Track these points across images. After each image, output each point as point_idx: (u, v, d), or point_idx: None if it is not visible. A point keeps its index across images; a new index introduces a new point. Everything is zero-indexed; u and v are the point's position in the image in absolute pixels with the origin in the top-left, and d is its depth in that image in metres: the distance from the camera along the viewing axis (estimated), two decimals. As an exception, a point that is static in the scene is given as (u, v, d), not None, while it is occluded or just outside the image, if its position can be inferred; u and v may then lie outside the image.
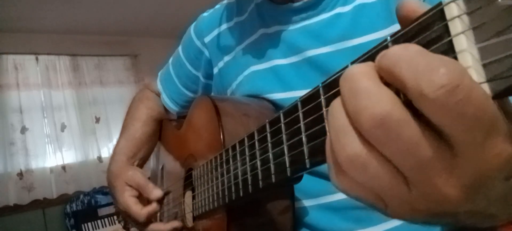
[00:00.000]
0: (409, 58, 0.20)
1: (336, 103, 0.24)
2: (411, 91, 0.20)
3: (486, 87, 0.19)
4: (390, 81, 0.21)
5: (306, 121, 0.31)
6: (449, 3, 0.20)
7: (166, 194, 0.77)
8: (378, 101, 0.21)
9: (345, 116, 0.23)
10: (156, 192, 0.75)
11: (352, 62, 0.26)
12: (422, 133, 0.21)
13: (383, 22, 0.58)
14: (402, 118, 0.20)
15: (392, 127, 0.21)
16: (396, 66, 0.20)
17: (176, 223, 0.72)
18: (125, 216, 0.81)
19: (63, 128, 3.70)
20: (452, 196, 0.22)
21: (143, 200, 0.77)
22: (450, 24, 0.20)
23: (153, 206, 0.75)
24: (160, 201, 0.76)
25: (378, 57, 0.22)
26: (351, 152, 0.23)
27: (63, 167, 3.63)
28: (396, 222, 0.58)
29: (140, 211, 0.75)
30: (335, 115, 0.24)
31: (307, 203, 0.62)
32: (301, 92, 0.32)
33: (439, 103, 0.19)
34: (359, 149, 0.22)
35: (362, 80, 0.22)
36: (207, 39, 0.81)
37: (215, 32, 0.80)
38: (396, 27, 0.63)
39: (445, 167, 0.21)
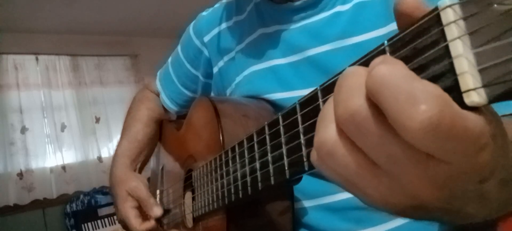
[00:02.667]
0: (392, 85, 0.20)
1: (330, 98, 0.26)
2: (392, 121, 0.20)
3: (482, 92, 0.19)
4: (375, 102, 0.22)
5: (304, 124, 0.31)
6: (445, 8, 0.20)
7: (166, 211, 0.77)
8: (353, 96, 0.22)
9: (332, 107, 0.24)
10: (156, 210, 0.75)
11: (350, 65, 0.26)
12: (392, 133, 0.21)
13: (382, 20, 0.58)
14: (373, 114, 0.22)
15: (362, 122, 0.22)
16: (379, 92, 0.21)
17: None
18: (123, 225, 0.81)
19: (63, 128, 3.70)
20: (425, 194, 0.23)
21: (144, 211, 0.78)
22: (446, 29, 0.20)
23: (152, 224, 0.75)
24: (159, 218, 0.76)
25: (368, 72, 0.22)
26: (321, 138, 0.25)
27: (63, 167, 3.63)
28: (396, 223, 0.58)
29: (139, 226, 0.75)
30: (325, 106, 0.26)
31: (306, 203, 0.62)
32: (301, 92, 0.32)
33: (415, 140, 0.20)
34: (329, 135, 0.24)
35: (349, 77, 0.23)
36: (206, 39, 0.81)
37: (214, 32, 0.80)
38: (395, 26, 0.63)
39: (416, 167, 0.22)
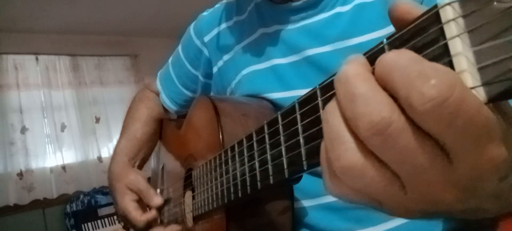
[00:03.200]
0: (402, 66, 0.20)
1: (331, 107, 0.24)
2: (402, 101, 0.20)
3: (481, 91, 0.19)
4: (385, 88, 0.21)
5: (303, 123, 0.31)
6: (444, 6, 0.19)
7: (166, 201, 0.77)
8: (376, 108, 0.20)
9: (341, 121, 0.23)
10: (156, 199, 0.75)
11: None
12: (419, 140, 0.20)
13: (382, 21, 0.58)
14: (400, 126, 0.20)
15: (391, 134, 0.20)
16: (390, 74, 0.20)
17: (175, 227, 0.72)
18: (123, 220, 0.81)
19: (63, 128, 3.70)
20: (447, 199, 0.22)
21: (143, 204, 0.77)
22: (445, 27, 0.20)
23: (152, 213, 0.75)
24: (160, 208, 0.76)
25: (376, 62, 0.21)
26: (347, 162, 0.22)
27: (63, 167, 3.63)
28: (396, 222, 0.58)
29: (139, 217, 0.75)
30: (330, 121, 0.23)
31: (306, 203, 0.62)
32: (301, 92, 0.32)
33: (428, 116, 0.19)
34: (356, 158, 0.22)
35: (359, 84, 0.21)
36: (206, 39, 0.81)
37: (214, 32, 0.80)
38: (394, 27, 0.62)
39: (441, 173, 0.21)
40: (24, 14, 3.25)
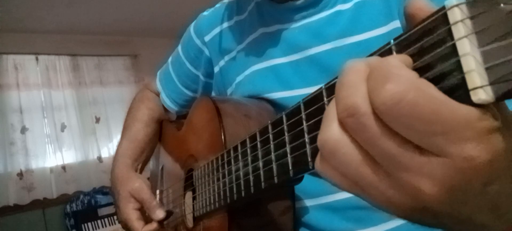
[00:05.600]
0: (376, 67, 0.23)
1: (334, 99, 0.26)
2: (369, 97, 0.23)
3: (489, 90, 0.19)
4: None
5: (309, 123, 0.31)
6: (452, 7, 0.20)
7: (168, 213, 0.77)
8: (352, 93, 0.23)
9: (334, 104, 0.25)
10: (159, 213, 0.75)
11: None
12: (387, 128, 0.22)
13: (383, 19, 0.58)
14: (370, 111, 0.23)
15: (360, 117, 0.23)
16: (370, 73, 0.23)
17: None
18: (124, 226, 0.81)
19: (63, 128, 3.70)
20: (425, 191, 0.23)
21: (145, 212, 0.77)
22: (453, 28, 0.20)
23: (154, 226, 0.75)
24: (162, 221, 0.76)
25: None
26: (325, 136, 0.25)
27: (63, 167, 3.63)
28: (396, 222, 0.58)
29: (141, 229, 0.75)
30: (330, 106, 0.26)
31: (307, 203, 0.62)
32: (302, 91, 0.32)
33: (384, 115, 0.22)
34: (331, 133, 0.25)
35: (349, 74, 0.24)
36: (207, 38, 0.81)
37: (215, 31, 0.80)
38: (395, 23, 0.62)
39: (413, 161, 0.22)
40: (24, 14, 3.25)
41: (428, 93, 0.21)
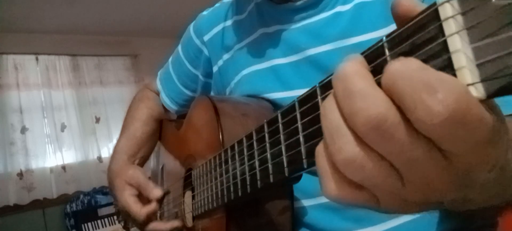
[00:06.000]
0: (407, 76, 0.20)
1: (329, 103, 0.24)
2: (408, 113, 0.20)
3: (480, 87, 0.19)
4: (392, 98, 0.21)
5: (303, 121, 0.31)
6: (443, 3, 0.20)
7: (165, 193, 0.77)
8: (373, 103, 0.21)
9: (339, 116, 0.23)
10: (156, 192, 0.75)
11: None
12: (414, 135, 0.21)
13: (382, 21, 0.58)
14: (396, 120, 0.21)
15: (387, 129, 0.21)
16: (394, 84, 0.21)
17: (176, 222, 0.72)
18: (124, 215, 0.81)
19: (63, 128, 3.70)
20: (442, 190, 0.23)
21: (143, 199, 0.77)
22: (444, 24, 0.20)
23: (153, 206, 0.75)
24: (159, 200, 0.76)
25: (383, 72, 0.22)
26: (349, 154, 0.23)
27: (63, 167, 3.63)
28: (395, 222, 0.58)
29: (140, 210, 0.75)
30: (329, 116, 0.24)
31: (306, 202, 0.62)
32: (301, 92, 0.32)
33: (434, 129, 0.20)
34: (356, 150, 0.23)
35: (356, 81, 0.22)
36: (206, 38, 0.81)
37: (214, 31, 0.80)
38: (395, 26, 0.62)
39: (436, 166, 0.22)
40: (24, 14, 3.25)
41: (475, 99, 0.20)
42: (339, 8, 0.62)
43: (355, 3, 0.61)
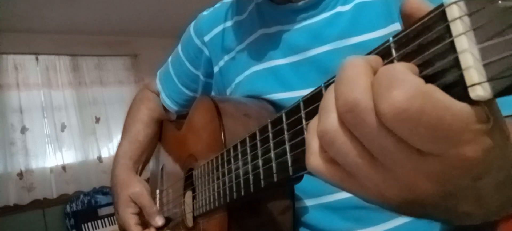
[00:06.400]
0: (383, 70, 0.23)
1: (330, 87, 0.26)
2: (375, 105, 0.22)
3: (487, 87, 0.19)
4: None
5: (309, 121, 0.31)
6: (450, 4, 0.20)
7: (167, 221, 0.77)
8: (351, 88, 0.23)
9: (332, 97, 0.25)
10: (158, 220, 0.75)
11: None
12: (382, 125, 0.22)
13: (382, 21, 0.58)
14: (369, 107, 0.23)
15: (359, 113, 0.23)
16: (375, 76, 0.23)
17: None
18: (122, 229, 0.81)
19: (63, 128, 3.70)
20: (420, 186, 0.24)
21: (144, 217, 0.78)
22: (451, 25, 0.20)
23: None
24: (160, 227, 0.76)
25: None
26: (324, 126, 0.25)
27: (63, 167, 3.63)
28: (396, 222, 0.58)
29: None
30: (326, 96, 0.26)
31: (307, 202, 0.62)
32: (301, 92, 0.32)
33: (390, 122, 0.22)
34: (332, 125, 0.25)
35: (349, 68, 0.24)
36: (206, 38, 0.81)
37: (215, 31, 0.80)
38: (395, 26, 0.62)
39: (410, 158, 0.23)
40: (24, 14, 3.25)
41: (434, 100, 0.21)
42: (340, 9, 0.62)
43: (355, 3, 0.61)
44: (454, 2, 0.20)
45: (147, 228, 0.77)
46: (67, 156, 3.70)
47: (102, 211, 3.53)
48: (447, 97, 0.21)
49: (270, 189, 0.42)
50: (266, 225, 0.58)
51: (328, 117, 0.25)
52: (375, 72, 0.24)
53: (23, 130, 3.47)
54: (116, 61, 4.12)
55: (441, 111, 0.21)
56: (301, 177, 0.44)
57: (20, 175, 3.40)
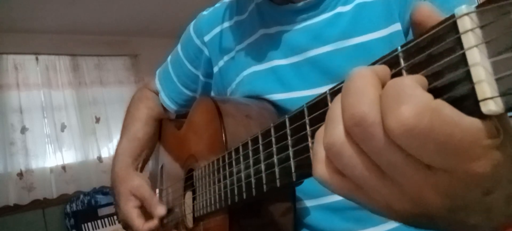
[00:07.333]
0: (391, 83, 0.22)
1: (337, 97, 0.26)
2: (383, 120, 0.22)
3: (499, 101, 0.19)
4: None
5: (313, 128, 0.31)
6: (462, 16, 0.20)
7: (169, 211, 0.76)
8: (359, 101, 0.23)
9: (339, 108, 0.25)
10: (160, 209, 0.74)
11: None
12: (390, 140, 0.22)
13: (383, 21, 0.58)
14: (376, 121, 0.22)
15: (367, 127, 0.23)
16: (383, 90, 0.23)
17: None
18: (124, 225, 0.81)
19: (63, 128, 3.70)
20: (428, 200, 0.23)
21: (146, 210, 0.77)
22: (463, 37, 0.20)
23: (155, 223, 0.74)
24: (163, 217, 0.76)
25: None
26: (331, 139, 0.25)
27: (63, 167, 3.63)
28: (396, 223, 0.58)
29: (142, 226, 0.75)
30: (332, 107, 0.26)
31: (308, 203, 0.62)
32: (302, 93, 0.32)
33: (399, 138, 0.21)
34: (339, 138, 0.24)
35: (356, 79, 0.24)
36: (206, 38, 0.81)
37: (215, 31, 0.80)
38: (396, 26, 0.62)
39: (418, 173, 0.22)
40: (24, 14, 3.25)
41: (443, 116, 0.20)
42: (340, 9, 0.62)
43: (356, 3, 0.61)
44: (466, 14, 0.19)
45: (149, 219, 0.76)
46: (67, 156, 3.69)
47: (102, 211, 3.52)
48: (456, 112, 0.21)
49: (272, 193, 0.42)
50: (267, 227, 0.58)
51: (335, 129, 0.25)
52: (383, 83, 0.23)
53: (23, 130, 3.47)
54: (116, 61, 4.11)
55: (450, 128, 0.20)
56: (302, 181, 0.43)
57: (20, 175, 3.40)
